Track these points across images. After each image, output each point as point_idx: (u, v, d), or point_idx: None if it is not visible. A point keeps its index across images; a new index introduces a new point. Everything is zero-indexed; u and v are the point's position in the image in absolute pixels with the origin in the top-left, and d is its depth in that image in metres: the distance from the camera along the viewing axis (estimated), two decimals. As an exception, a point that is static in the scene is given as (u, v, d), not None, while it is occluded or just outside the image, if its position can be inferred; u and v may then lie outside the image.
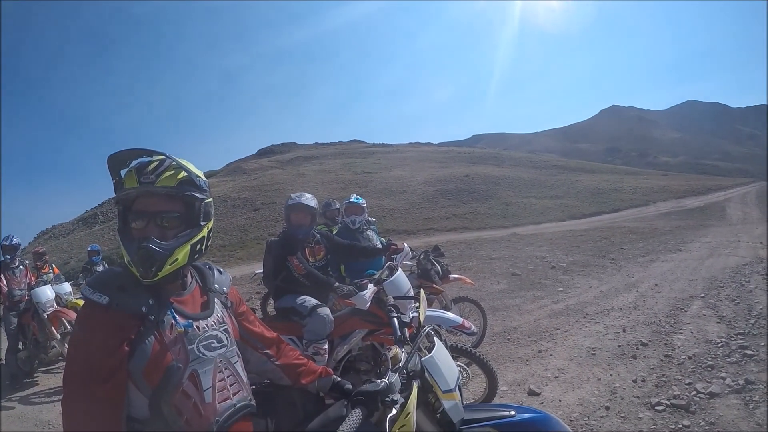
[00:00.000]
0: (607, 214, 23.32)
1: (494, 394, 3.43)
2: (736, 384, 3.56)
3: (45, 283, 6.18)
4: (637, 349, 4.57)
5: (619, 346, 4.69)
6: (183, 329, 1.22)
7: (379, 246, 4.78)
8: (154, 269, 1.19)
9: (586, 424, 3.29)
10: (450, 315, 3.81)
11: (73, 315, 5.70)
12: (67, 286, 6.91)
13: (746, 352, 4.13)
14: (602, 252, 11.14)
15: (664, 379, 3.86)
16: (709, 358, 4.13)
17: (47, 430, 4.22)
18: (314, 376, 1.59)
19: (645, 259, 9.80)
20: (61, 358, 5.88)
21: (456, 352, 3.33)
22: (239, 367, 1.35)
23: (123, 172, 1.26)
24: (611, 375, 4.04)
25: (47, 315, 5.65)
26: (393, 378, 1.40)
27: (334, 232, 4.91)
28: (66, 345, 5.32)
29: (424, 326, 1.80)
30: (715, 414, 3.21)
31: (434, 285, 4.80)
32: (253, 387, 1.45)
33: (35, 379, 5.67)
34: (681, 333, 4.88)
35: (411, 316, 3.23)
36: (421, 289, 3.25)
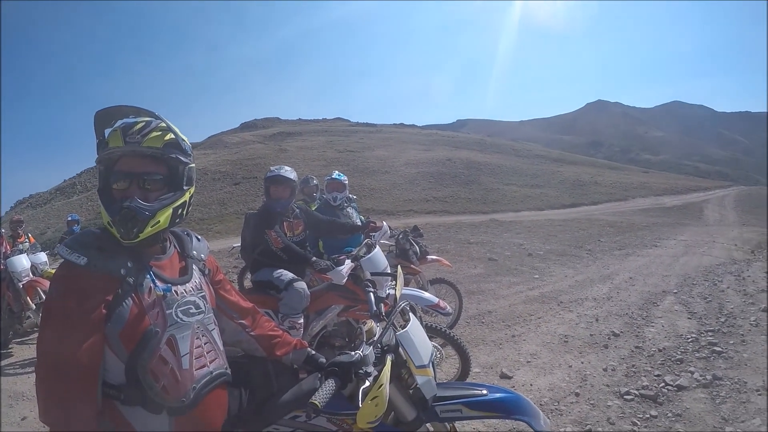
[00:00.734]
0: (586, 206, 23.65)
1: (467, 375, 3.40)
2: (704, 379, 3.59)
3: (20, 252, 5.93)
4: (608, 338, 4.59)
5: (591, 335, 4.72)
6: (162, 293, 1.20)
7: (359, 223, 4.71)
8: (136, 230, 1.16)
9: (556, 408, 3.29)
10: (426, 294, 3.74)
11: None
12: (42, 256, 6.72)
13: (715, 348, 4.17)
14: (579, 243, 11.25)
15: (633, 369, 3.88)
16: (679, 352, 4.16)
17: (21, 402, 4.01)
18: (289, 348, 1.57)
19: (621, 253, 9.92)
20: (36, 328, 5.61)
21: (431, 332, 3.26)
22: (216, 334, 1.34)
23: (107, 132, 1.23)
24: (582, 363, 4.06)
25: (22, 285, 5.44)
26: (367, 351, 1.41)
27: (313, 209, 4.82)
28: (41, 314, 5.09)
29: (399, 302, 1.71)
30: (682, 406, 3.23)
31: (412, 265, 4.71)
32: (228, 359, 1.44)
33: (9, 350, 5.42)
34: (652, 326, 4.92)
35: (387, 292, 3.20)
36: (398, 266, 3.18)
